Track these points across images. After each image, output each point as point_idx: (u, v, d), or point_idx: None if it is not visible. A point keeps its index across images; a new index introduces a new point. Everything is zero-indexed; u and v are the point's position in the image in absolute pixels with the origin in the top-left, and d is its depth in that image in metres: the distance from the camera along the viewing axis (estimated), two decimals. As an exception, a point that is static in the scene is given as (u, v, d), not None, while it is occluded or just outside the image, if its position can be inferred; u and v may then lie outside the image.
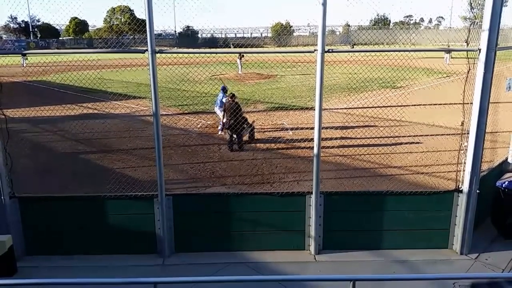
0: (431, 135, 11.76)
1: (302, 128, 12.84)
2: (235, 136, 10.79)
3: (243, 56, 25.99)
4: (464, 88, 5.70)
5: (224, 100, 12.27)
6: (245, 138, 11.22)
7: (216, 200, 6.34)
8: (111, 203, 6.05)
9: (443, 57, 30.06)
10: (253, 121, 11.74)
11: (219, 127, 12.62)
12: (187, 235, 6.15)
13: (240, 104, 11.22)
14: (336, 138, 11.34)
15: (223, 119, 11.45)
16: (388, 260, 5.93)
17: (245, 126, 10.83)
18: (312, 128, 5.74)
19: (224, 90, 12.74)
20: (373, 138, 10.68)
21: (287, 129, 13.01)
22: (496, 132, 7.88)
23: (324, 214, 5.99)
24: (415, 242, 6.17)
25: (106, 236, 6.14)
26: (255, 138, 11.48)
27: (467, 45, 5.61)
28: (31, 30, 65.27)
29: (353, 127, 12.75)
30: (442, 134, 11.66)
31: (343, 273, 5.55)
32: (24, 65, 26.53)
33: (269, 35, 70.50)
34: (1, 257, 5.50)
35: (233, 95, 11.13)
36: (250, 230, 6.19)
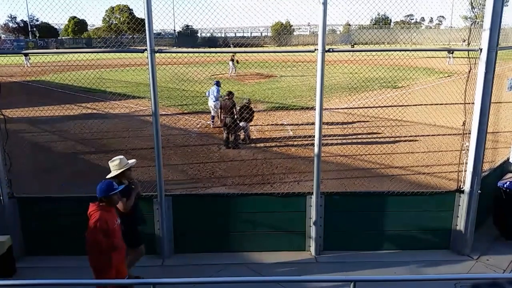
0: (432, 135, 11.73)
1: (302, 128, 12.82)
2: (231, 134, 10.88)
3: (234, 57, 25.67)
4: (466, 88, 5.67)
5: (215, 94, 12.83)
6: (241, 136, 11.22)
7: (216, 200, 6.31)
8: (111, 203, 6.01)
9: (447, 57, 29.88)
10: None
11: (211, 122, 13.15)
12: (186, 236, 6.11)
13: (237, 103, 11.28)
14: (337, 138, 11.31)
15: (220, 115, 11.59)
16: (389, 261, 5.90)
17: (243, 124, 10.87)
18: (313, 128, 5.71)
19: (218, 84, 13.23)
20: (374, 138, 10.65)
21: (287, 129, 12.98)
22: (498, 132, 7.87)
23: (325, 215, 5.96)
24: (416, 243, 6.15)
25: (105, 237, 6.10)
26: (251, 137, 11.46)
27: (468, 44, 5.59)
28: (30, 29, 65.18)
29: (354, 127, 12.73)
30: (444, 134, 11.64)
31: (344, 274, 5.53)
32: (28, 65, 26.55)
33: (269, 34, 70.42)
34: (0, 257, 5.48)
35: (230, 93, 11.21)
36: (250, 231, 6.16)
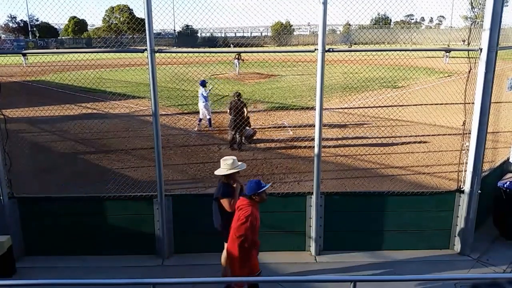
0: (432, 135, 11.73)
1: (302, 128, 12.81)
2: (237, 135, 10.79)
3: (240, 56, 25.85)
4: (466, 88, 5.67)
5: (205, 94, 12.42)
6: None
7: (216, 200, 6.29)
8: (110, 203, 6.02)
9: (444, 56, 30.11)
10: (254, 130, 11.63)
11: (199, 122, 12.78)
12: (186, 236, 6.11)
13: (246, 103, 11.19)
14: (337, 138, 11.31)
15: (230, 117, 11.48)
16: (389, 261, 5.90)
17: (247, 127, 10.83)
18: (313, 128, 5.71)
19: (203, 84, 12.68)
20: (374, 138, 10.64)
21: (287, 129, 12.97)
22: (498, 132, 7.86)
23: (325, 215, 5.96)
24: (416, 243, 6.15)
25: (105, 237, 6.10)
26: (253, 138, 11.44)
27: (468, 44, 5.58)
28: (30, 29, 65.17)
29: (354, 127, 12.73)
30: (444, 134, 11.64)
31: (344, 274, 5.53)
32: (25, 65, 26.58)
33: (269, 34, 70.39)
34: (0, 257, 5.48)
35: (239, 94, 11.09)
36: (250, 231, 6.15)
